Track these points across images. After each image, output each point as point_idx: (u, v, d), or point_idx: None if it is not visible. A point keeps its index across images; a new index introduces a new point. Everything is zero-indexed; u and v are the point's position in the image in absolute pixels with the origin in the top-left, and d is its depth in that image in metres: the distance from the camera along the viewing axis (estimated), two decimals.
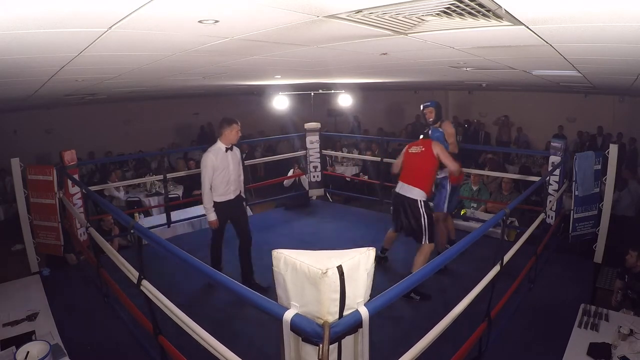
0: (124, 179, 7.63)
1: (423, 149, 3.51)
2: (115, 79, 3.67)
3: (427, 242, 3.45)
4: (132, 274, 2.31)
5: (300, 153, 6.31)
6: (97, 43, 1.79)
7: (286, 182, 6.34)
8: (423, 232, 3.42)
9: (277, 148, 9.23)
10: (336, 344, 1.31)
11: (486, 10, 1.46)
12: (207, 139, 11.41)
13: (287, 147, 8.43)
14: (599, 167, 4.21)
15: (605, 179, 4.09)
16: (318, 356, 1.21)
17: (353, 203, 6.89)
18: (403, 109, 11.96)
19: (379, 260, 4.01)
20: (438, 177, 3.89)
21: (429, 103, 3.99)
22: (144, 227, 2.38)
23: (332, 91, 7.32)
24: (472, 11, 1.47)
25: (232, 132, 3.43)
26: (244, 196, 3.80)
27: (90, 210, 5.13)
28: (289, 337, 1.33)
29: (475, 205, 5.74)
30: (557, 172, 4.29)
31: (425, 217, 3.42)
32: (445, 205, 4.03)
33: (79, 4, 1.24)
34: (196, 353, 1.92)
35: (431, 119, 3.93)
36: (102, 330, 3.02)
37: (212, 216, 3.46)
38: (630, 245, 3.53)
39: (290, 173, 6.35)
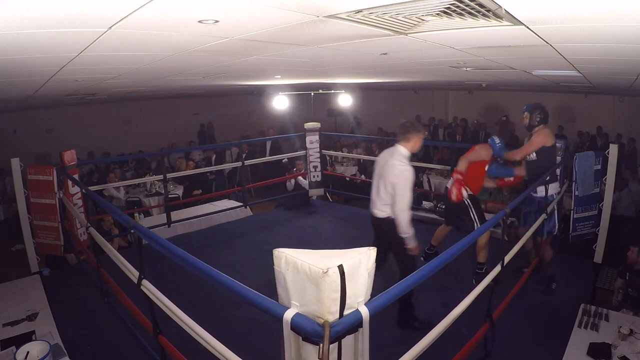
0: (124, 179, 7.63)
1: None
2: (115, 79, 3.67)
3: None
4: (132, 273, 2.31)
5: (300, 153, 6.31)
6: (97, 43, 1.80)
7: (289, 185, 6.36)
8: (473, 220, 3.58)
9: (280, 147, 9.19)
10: (336, 344, 1.31)
11: (486, 10, 1.46)
12: (206, 139, 11.41)
13: (286, 147, 8.43)
14: (599, 167, 4.21)
15: (605, 179, 4.09)
16: (318, 355, 1.21)
17: (353, 203, 6.88)
18: (403, 109, 11.95)
19: (426, 256, 3.89)
20: (538, 195, 3.60)
21: (525, 106, 3.63)
22: (144, 227, 2.37)
23: (332, 91, 7.32)
24: (472, 11, 1.47)
25: (420, 141, 2.94)
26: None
27: (90, 210, 5.13)
28: (289, 336, 1.33)
29: None
30: (557, 172, 4.28)
31: (472, 206, 3.59)
32: (556, 226, 3.71)
33: (79, 4, 1.24)
34: (196, 353, 1.92)
35: (526, 124, 3.61)
36: (102, 330, 3.02)
37: (415, 240, 2.86)
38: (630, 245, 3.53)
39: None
